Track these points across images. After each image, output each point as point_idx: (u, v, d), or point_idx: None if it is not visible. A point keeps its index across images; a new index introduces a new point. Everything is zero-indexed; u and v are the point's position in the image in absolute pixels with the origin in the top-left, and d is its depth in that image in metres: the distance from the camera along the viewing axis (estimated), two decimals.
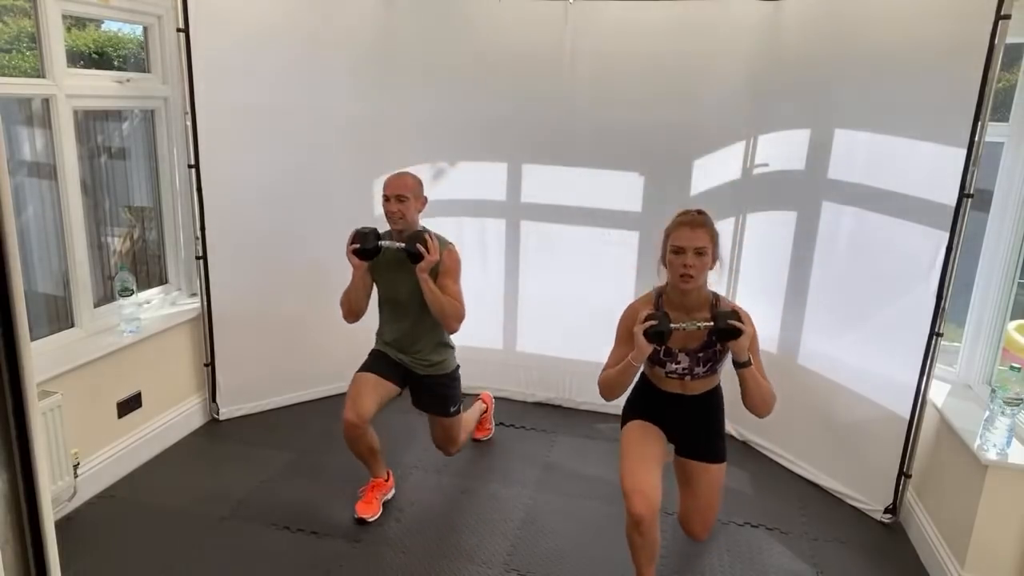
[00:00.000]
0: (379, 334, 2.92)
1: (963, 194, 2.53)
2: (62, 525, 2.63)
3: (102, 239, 3.19)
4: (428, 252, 2.58)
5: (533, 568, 2.57)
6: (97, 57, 3.14)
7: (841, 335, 3.06)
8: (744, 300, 2.46)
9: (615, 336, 2.35)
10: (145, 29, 3.19)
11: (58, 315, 2.91)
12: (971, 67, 2.45)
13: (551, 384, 3.88)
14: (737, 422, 3.52)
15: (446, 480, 3.13)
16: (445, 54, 3.57)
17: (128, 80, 3.08)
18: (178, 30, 3.07)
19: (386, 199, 2.67)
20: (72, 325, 2.91)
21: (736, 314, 2.15)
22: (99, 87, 2.95)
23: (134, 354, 3.04)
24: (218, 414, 3.53)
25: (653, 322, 2.14)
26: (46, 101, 2.71)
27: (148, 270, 3.47)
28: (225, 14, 3.16)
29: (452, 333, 2.82)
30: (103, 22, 3.16)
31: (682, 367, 2.32)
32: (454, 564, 2.57)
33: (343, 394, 3.76)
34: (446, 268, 2.71)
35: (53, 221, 2.84)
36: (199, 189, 3.23)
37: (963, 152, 2.50)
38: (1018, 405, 2.40)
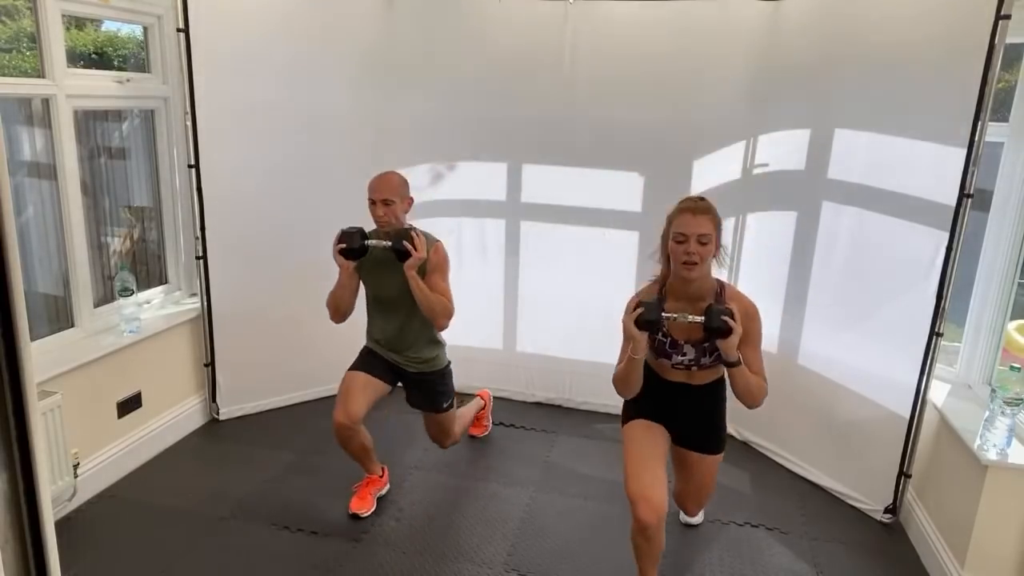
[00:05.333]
0: (369, 333, 2.91)
1: (963, 194, 2.53)
2: (62, 525, 2.63)
3: (102, 239, 3.19)
4: (415, 249, 2.56)
5: (533, 568, 2.57)
6: (97, 57, 3.14)
7: (841, 335, 3.06)
8: None
9: (622, 329, 2.29)
10: (145, 29, 3.19)
11: (58, 315, 2.91)
12: (971, 67, 2.45)
13: (551, 384, 3.88)
14: (737, 422, 3.52)
15: (446, 480, 3.13)
16: (445, 54, 3.57)
17: (128, 80, 3.08)
18: (178, 30, 3.07)
19: (372, 203, 2.65)
20: (72, 325, 2.91)
21: (730, 311, 2.10)
22: (99, 87, 2.95)
23: (134, 354, 3.04)
24: (218, 414, 3.53)
25: (641, 311, 2.11)
26: (46, 101, 2.71)
27: (148, 270, 3.47)
28: (225, 14, 3.16)
29: (442, 330, 2.80)
30: (103, 22, 3.16)
31: (688, 358, 2.28)
32: (454, 564, 2.57)
33: None
34: (434, 265, 2.69)
35: (53, 221, 2.84)
36: (199, 189, 3.23)
37: (963, 152, 2.50)
38: (1018, 405, 2.40)
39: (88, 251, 2.92)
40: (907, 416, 2.77)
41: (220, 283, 3.37)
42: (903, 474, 2.83)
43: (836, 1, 2.97)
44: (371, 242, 2.65)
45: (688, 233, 2.12)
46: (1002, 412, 2.41)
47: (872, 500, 2.95)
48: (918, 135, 2.73)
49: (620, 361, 2.30)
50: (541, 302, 3.78)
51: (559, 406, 3.88)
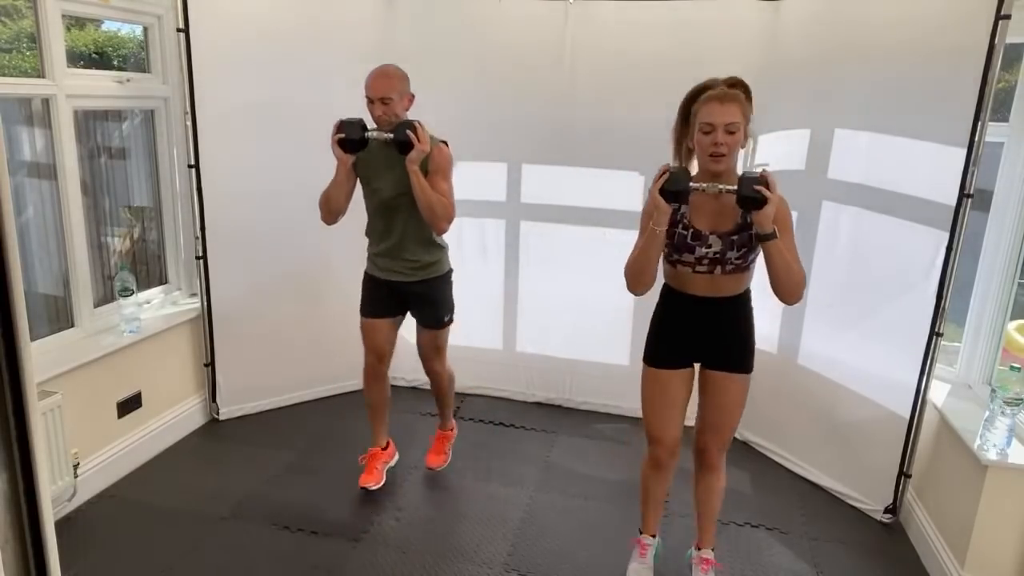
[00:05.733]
0: (369, 246, 2.80)
1: (963, 194, 2.53)
2: (62, 525, 2.63)
3: (102, 239, 3.19)
4: (419, 140, 2.44)
5: (533, 568, 2.57)
6: (97, 57, 3.14)
7: (841, 335, 3.06)
8: None
9: (639, 226, 2.16)
10: (145, 29, 3.19)
11: (58, 315, 2.91)
12: (971, 67, 2.45)
13: (551, 384, 3.88)
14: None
15: (446, 480, 3.13)
16: (445, 54, 3.57)
17: (128, 80, 3.08)
18: (178, 30, 3.07)
19: (370, 101, 2.52)
20: (72, 325, 2.90)
21: (764, 180, 1.94)
22: (99, 87, 2.95)
23: (134, 354, 3.04)
24: (218, 414, 3.53)
25: (667, 177, 1.96)
26: (46, 101, 2.71)
27: (148, 270, 3.47)
28: (225, 14, 3.16)
29: (441, 234, 2.70)
30: (103, 22, 3.16)
31: (713, 251, 2.09)
32: (454, 564, 2.57)
33: (343, 394, 3.82)
34: (436, 165, 2.57)
35: (53, 221, 2.84)
36: (199, 189, 3.23)
37: (963, 152, 2.51)
38: (1018, 405, 2.40)
39: (88, 251, 2.92)
40: (907, 416, 2.77)
41: (220, 283, 3.37)
42: (903, 474, 2.83)
43: (836, 1, 2.98)
44: (371, 133, 2.52)
45: (716, 123, 1.98)
46: (1002, 412, 2.41)
47: (872, 500, 2.95)
48: (918, 135, 2.73)
49: (636, 247, 2.13)
50: (541, 302, 3.78)
51: (559, 406, 3.88)
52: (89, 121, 3.07)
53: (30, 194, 2.85)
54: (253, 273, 3.45)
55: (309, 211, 3.49)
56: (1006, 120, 2.73)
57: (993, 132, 2.60)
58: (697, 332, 2.22)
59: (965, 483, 2.47)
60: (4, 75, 2.65)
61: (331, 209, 2.65)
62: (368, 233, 2.80)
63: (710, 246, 2.10)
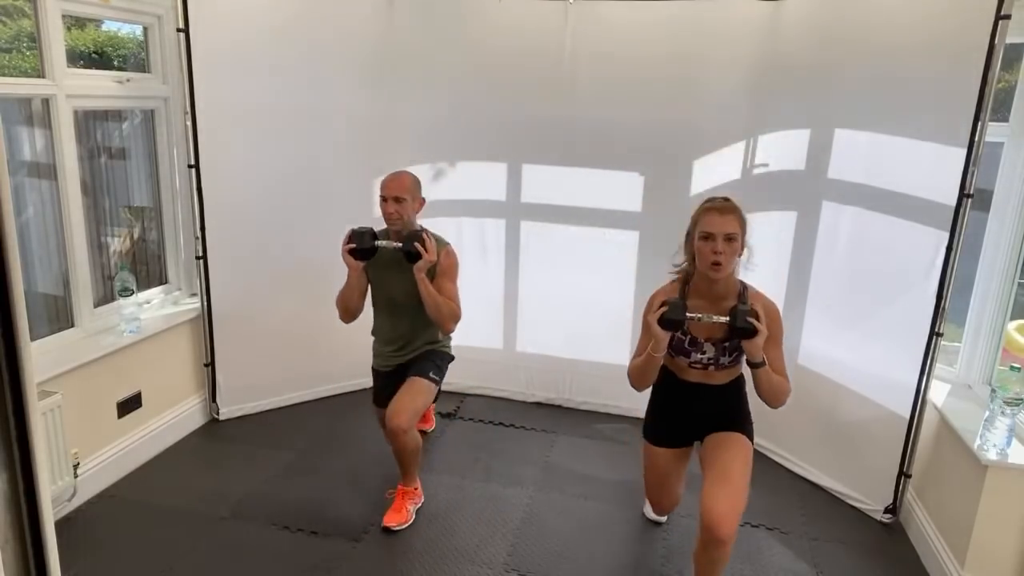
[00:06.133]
0: (375, 338, 2.92)
1: (963, 194, 2.53)
2: (62, 525, 2.63)
3: (102, 239, 3.19)
4: (426, 251, 2.57)
5: (533, 568, 2.57)
6: (97, 57, 3.14)
7: (841, 335, 3.06)
8: None
9: (642, 325, 2.30)
10: (145, 29, 3.19)
11: (58, 315, 2.91)
12: (971, 67, 2.45)
13: (551, 384, 3.88)
14: None
15: (446, 480, 3.13)
16: (445, 54, 3.57)
17: (128, 80, 3.08)
18: (178, 30, 3.07)
19: (383, 200, 2.66)
20: (72, 325, 2.90)
21: (755, 312, 2.09)
22: (99, 87, 2.95)
23: (134, 354, 3.04)
24: (218, 414, 3.53)
25: (666, 309, 2.10)
26: (46, 101, 2.71)
27: (148, 270, 3.47)
28: (225, 14, 3.16)
29: (448, 333, 2.83)
30: (103, 22, 3.16)
31: (707, 357, 2.27)
32: (454, 564, 2.57)
33: (343, 394, 3.83)
34: (443, 269, 2.70)
35: (53, 221, 2.84)
36: (199, 189, 3.23)
37: (963, 152, 2.51)
38: (1018, 405, 2.40)
39: (88, 251, 2.92)
40: (907, 416, 2.77)
41: (220, 283, 3.37)
42: (903, 474, 2.83)
43: (836, 1, 2.98)
44: (381, 243, 2.65)
45: (715, 232, 2.11)
46: (1002, 412, 2.41)
47: (872, 500, 2.95)
48: (918, 135, 2.74)
49: (637, 355, 2.30)
50: (541, 302, 3.78)
51: (559, 406, 3.88)
52: (89, 121, 3.07)
53: (30, 194, 2.85)
54: (253, 273, 3.45)
55: (309, 211, 3.52)
56: (1006, 120, 2.73)
57: (993, 132, 2.60)
58: (693, 413, 2.39)
59: (965, 483, 2.47)
60: (4, 75, 2.65)
61: (347, 309, 2.78)
62: (375, 332, 2.91)
63: (704, 352, 2.28)
